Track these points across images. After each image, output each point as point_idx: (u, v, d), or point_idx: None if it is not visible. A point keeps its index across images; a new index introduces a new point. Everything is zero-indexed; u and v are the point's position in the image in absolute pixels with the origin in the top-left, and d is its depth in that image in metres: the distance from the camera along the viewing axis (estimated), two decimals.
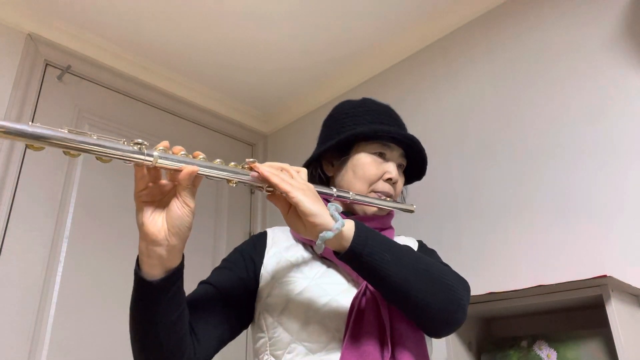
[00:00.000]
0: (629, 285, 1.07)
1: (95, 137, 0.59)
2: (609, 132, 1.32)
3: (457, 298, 0.75)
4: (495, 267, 1.44)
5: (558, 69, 1.48)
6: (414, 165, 1.01)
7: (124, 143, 0.60)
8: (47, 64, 1.83)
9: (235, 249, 0.93)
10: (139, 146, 0.61)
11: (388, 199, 0.94)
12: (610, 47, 1.38)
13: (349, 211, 0.95)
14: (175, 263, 0.67)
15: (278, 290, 0.84)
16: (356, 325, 0.77)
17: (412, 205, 0.98)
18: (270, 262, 0.88)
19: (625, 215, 1.24)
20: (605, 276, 1.00)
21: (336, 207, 0.74)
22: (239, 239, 2.23)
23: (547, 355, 1.15)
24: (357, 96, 2.19)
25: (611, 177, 1.29)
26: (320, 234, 0.69)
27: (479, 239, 1.51)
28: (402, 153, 0.98)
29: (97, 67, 1.95)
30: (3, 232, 1.56)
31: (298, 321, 0.80)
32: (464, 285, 0.79)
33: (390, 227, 0.97)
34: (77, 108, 1.87)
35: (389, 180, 0.94)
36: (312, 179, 0.97)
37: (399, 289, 0.72)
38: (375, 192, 0.93)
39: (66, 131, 0.57)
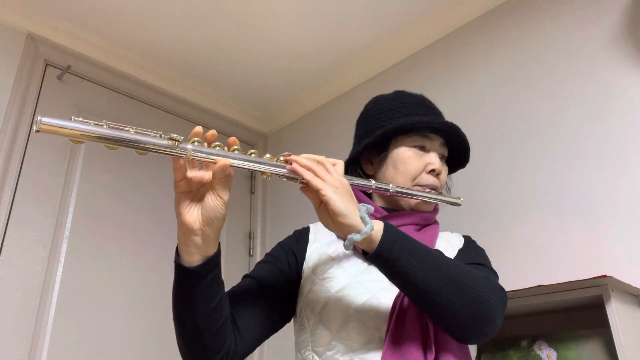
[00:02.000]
0: (629, 285, 1.07)
1: (132, 132, 0.61)
2: (609, 132, 1.32)
3: (487, 310, 0.71)
4: (495, 267, 1.44)
5: (558, 69, 1.47)
6: (456, 153, 0.99)
7: (160, 137, 0.63)
8: (47, 64, 1.83)
9: (279, 244, 0.94)
10: (173, 141, 0.63)
11: (433, 191, 0.91)
12: (610, 47, 1.38)
13: (393, 206, 0.93)
14: (211, 251, 0.69)
15: (319, 287, 0.83)
16: (398, 324, 0.75)
17: (460, 198, 0.94)
18: (312, 258, 0.88)
19: (625, 215, 1.24)
20: (605, 276, 1.00)
21: (367, 208, 0.72)
22: (238, 239, 2.23)
23: (547, 355, 1.15)
24: (357, 96, 2.19)
25: (611, 177, 1.29)
26: (349, 236, 0.68)
27: (479, 239, 1.50)
28: (443, 142, 0.95)
29: (97, 67, 1.95)
30: (3, 232, 1.56)
31: (338, 319, 0.79)
32: (498, 297, 0.74)
33: (435, 222, 0.94)
34: (77, 108, 1.87)
35: (432, 172, 0.91)
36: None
37: (426, 296, 0.70)
38: (419, 185, 0.90)
39: (105, 126, 0.60)
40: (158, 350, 1.79)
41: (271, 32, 1.90)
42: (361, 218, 0.70)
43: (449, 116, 1.72)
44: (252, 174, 2.42)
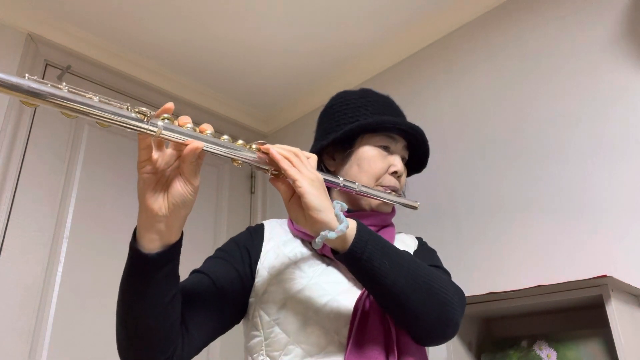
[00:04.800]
0: (629, 285, 1.06)
1: (96, 100, 0.54)
2: (610, 132, 1.32)
3: (451, 313, 0.72)
4: (495, 267, 1.44)
5: (559, 69, 1.47)
6: (415, 157, 1.00)
7: (127, 109, 0.56)
8: (47, 64, 1.83)
9: (231, 239, 0.89)
10: (142, 115, 0.57)
11: (393, 193, 0.91)
12: (610, 47, 1.38)
13: (352, 206, 0.92)
14: (173, 239, 0.64)
15: (275, 288, 0.80)
16: (360, 328, 0.74)
17: (416, 201, 0.96)
18: (268, 257, 0.84)
19: (626, 215, 1.24)
20: (605, 276, 0.99)
21: (342, 205, 0.70)
22: None
23: (547, 355, 1.15)
24: None
25: (611, 177, 1.29)
26: (322, 232, 0.66)
27: (479, 239, 1.51)
28: (405, 145, 0.95)
29: (97, 67, 1.95)
30: (3, 232, 1.56)
31: (296, 321, 0.76)
32: (460, 299, 0.76)
33: (391, 224, 0.95)
34: None
35: (394, 173, 0.91)
36: None
37: (395, 298, 0.69)
38: (381, 186, 0.90)
39: (66, 90, 0.53)
40: None
41: (271, 32, 1.90)
42: (335, 215, 0.68)
43: (449, 116, 1.73)
44: (252, 173, 2.42)
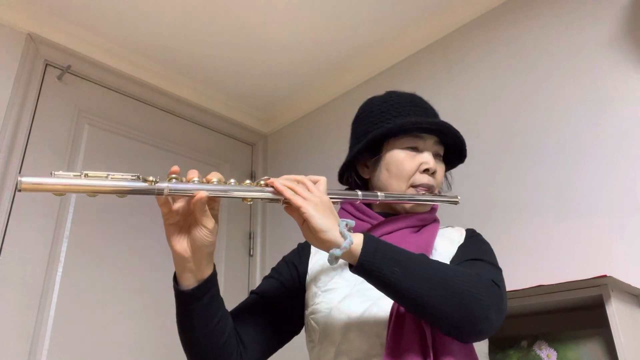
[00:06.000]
0: (629, 285, 1.07)
1: (109, 178, 0.65)
2: (610, 132, 1.32)
3: (477, 308, 0.70)
4: None
5: (558, 68, 1.47)
6: (452, 149, 0.98)
7: (138, 178, 0.66)
8: (47, 64, 1.83)
9: (283, 258, 0.97)
10: (148, 182, 0.66)
11: (425, 192, 0.90)
12: (610, 47, 1.38)
13: (390, 210, 0.93)
14: (206, 273, 0.73)
15: (321, 299, 0.85)
16: (396, 330, 0.75)
17: (457, 196, 0.94)
18: (314, 269, 0.90)
19: (626, 215, 1.24)
20: (605, 276, 1.00)
21: (348, 222, 0.73)
22: (238, 239, 2.23)
23: (547, 355, 1.15)
24: (357, 96, 2.18)
25: (611, 177, 1.29)
26: (330, 251, 0.70)
27: None
28: (437, 140, 0.94)
29: (97, 67, 1.94)
30: (3, 232, 1.56)
31: (340, 330, 0.80)
32: (489, 292, 0.73)
33: (434, 221, 0.94)
34: (77, 108, 1.87)
35: (426, 171, 0.90)
36: (348, 184, 0.98)
37: (413, 302, 0.70)
38: (414, 186, 0.90)
39: (84, 177, 0.63)
40: (157, 350, 1.79)
41: (271, 32, 1.90)
42: (341, 233, 0.71)
43: (449, 116, 1.72)
44: (251, 174, 2.42)
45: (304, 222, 0.73)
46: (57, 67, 1.84)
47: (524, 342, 1.21)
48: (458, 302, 0.70)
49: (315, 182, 0.77)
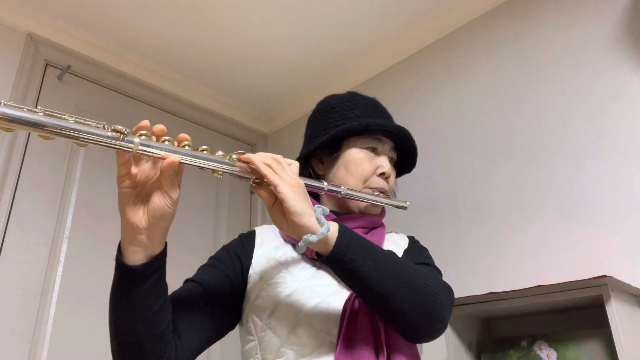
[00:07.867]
0: (629, 285, 1.07)
1: (72, 121, 0.56)
2: (610, 132, 1.32)
3: (437, 310, 0.73)
4: (495, 267, 1.44)
5: (558, 69, 1.47)
6: (404, 158, 1.01)
7: (104, 128, 0.58)
8: (47, 64, 1.83)
9: (223, 247, 0.90)
10: (119, 133, 0.58)
11: (381, 194, 0.92)
12: (610, 47, 1.38)
13: (341, 209, 0.93)
14: (157, 250, 0.66)
15: (266, 292, 0.81)
16: (349, 328, 0.74)
17: (406, 201, 0.96)
18: (259, 262, 0.86)
19: (625, 215, 1.24)
20: (605, 276, 1.00)
21: (323, 209, 0.72)
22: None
23: (547, 355, 1.15)
24: None
25: (611, 177, 1.29)
26: (304, 236, 0.68)
27: (479, 239, 1.51)
28: (393, 146, 0.96)
29: (97, 67, 1.95)
30: (3, 232, 1.56)
31: (287, 324, 0.77)
32: (447, 295, 0.76)
33: (382, 225, 0.95)
34: (77, 108, 1.87)
35: (382, 175, 0.92)
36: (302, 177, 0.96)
37: (380, 297, 0.70)
38: (369, 188, 0.91)
39: (41, 113, 0.54)
40: None
41: (271, 33, 1.90)
42: (317, 219, 0.69)
43: (449, 116, 1.73)
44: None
45: (274, 203, 0.71)
46: (57, 67, 1.84)
47: (524, 342, 1.21)
48: (422, 300, 0.71)
49: (289, 165, 0.74)
